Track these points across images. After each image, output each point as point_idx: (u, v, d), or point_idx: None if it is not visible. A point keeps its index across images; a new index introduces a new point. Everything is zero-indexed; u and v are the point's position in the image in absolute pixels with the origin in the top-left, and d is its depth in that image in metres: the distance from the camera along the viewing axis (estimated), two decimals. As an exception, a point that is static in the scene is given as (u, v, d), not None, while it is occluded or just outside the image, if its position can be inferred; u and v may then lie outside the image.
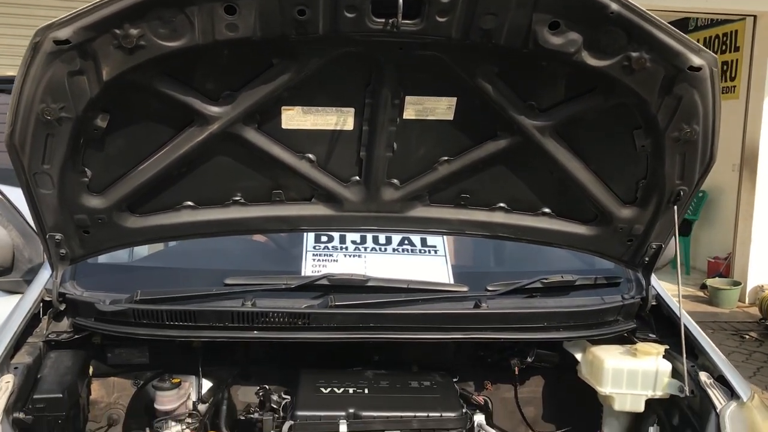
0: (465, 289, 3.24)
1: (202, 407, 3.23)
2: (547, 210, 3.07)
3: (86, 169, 2.70)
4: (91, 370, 3.26)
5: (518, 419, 3.52)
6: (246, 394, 3.39)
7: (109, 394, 3.39)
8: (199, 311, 3.00)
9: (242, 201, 2.93)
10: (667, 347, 3.13)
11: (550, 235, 3.16)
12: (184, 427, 3.10)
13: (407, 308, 3.11)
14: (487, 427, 3.08)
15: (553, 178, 2.94)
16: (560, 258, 3.81)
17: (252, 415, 3.00)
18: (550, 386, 3.52)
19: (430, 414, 2.91)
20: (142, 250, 4.00)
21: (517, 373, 3.33)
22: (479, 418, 3.10)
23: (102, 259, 3.48)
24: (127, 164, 2.75)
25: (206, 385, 3.33)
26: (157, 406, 3.08)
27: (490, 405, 3.42)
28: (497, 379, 3.50)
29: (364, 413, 2.89)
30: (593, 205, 3.00)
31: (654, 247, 3.13)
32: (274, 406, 3.10)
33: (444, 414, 2.92)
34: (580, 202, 3.02)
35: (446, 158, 2.84)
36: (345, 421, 2.85)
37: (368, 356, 3.35)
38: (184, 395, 3.13)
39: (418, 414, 2.90)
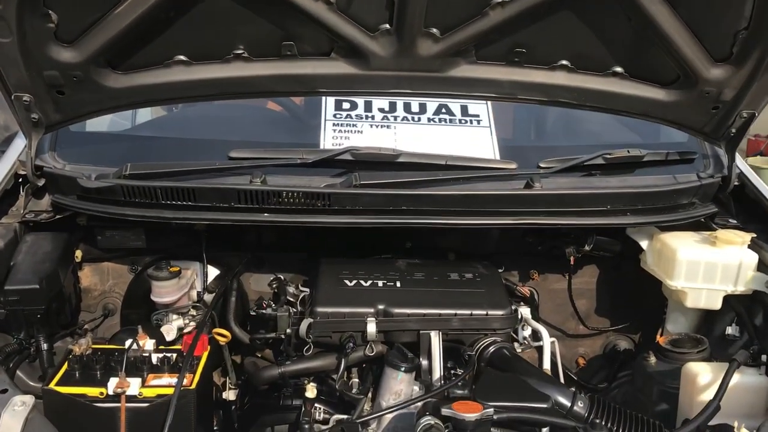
0: (514, 166, 2.67)
1: (208, 298, 2.74)
2: (618, 69, 2.43)
3: (50, 11, 2.11)
4: (79, 254, 2.77)
5: (568, 313, 3.02)
6: (260, 283, 2.90)
7: (104, 281, 2.91)
8: (199, 189, 2.46)
9: (246, 55, 2.32)
10: (754, 236, 2.57)
11: (619, 101, 2.54)
12: (188, 321, 2.63)
13: (445, 188, 2.56)
14: (533, 322, 2.58)
15: (630, 28, 2.29)
16: (621, 130, 3.23)
17: (264, 311, 2.50)
18: (606, 277, 3.00)
19: (474, 312, 2.40)
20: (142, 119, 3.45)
21: (572, 263, 2.79)
22: (524, 311, 2.60)
23: (90, 127, 2.95)
24: (101, 6, 2.14)
25: (213, 272, 2.83)
26: (154, 298, 2.60)
27: (536, 297, 2.92)
28: (546, 269, 2.98)
29: (396, 310, 2.39)
30: (677, 63, 2.37)
31: (745, 116, 2.51)
32: (291, 299, 2.62)
33: (490, 312, 2.41)
34: (660, 60, 2.38)
35: (499, 0, 2.19)
36: (374, 319, 2.36)
37: (399, 244, 2.83)
38: (185, 285, 2.64)
39: (459, 312, 2.40)
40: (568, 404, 2.12)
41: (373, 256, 2.78)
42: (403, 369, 2.27)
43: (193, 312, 2.67)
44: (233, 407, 2.65)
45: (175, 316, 2.64)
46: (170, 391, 2.07)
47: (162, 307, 2.64)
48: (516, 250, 2.91)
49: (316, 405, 2.39)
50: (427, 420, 1.99)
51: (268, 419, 2.46)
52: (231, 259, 2.86)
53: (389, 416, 2.25)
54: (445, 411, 1.96)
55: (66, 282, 2.60)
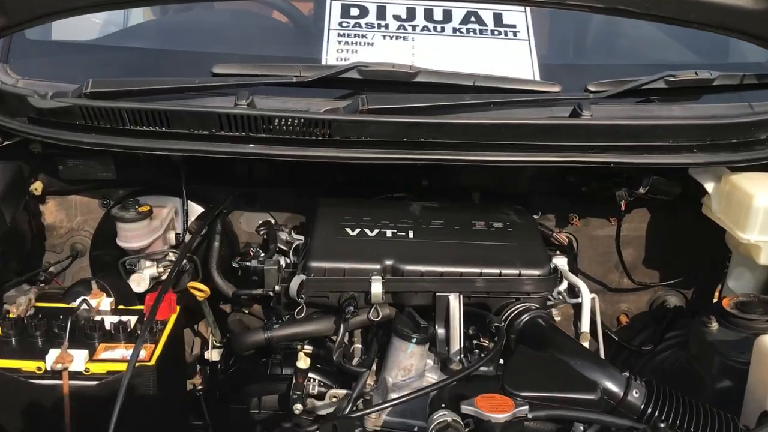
0: (557, 89, 2.12)
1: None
2: (693, -32, 1.85)
3: None
4: (39, 186, 2.31)
5: (611, 264, 2.53)
6: (251, 223, 2.42)
7: (71, 217, 2.45)
8: (173, 112, 1.96)
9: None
10: None
11: (693, 9, 1.97)
12: (163, 268, 2.18)
13: (472, 116, 2.03)
14: (571, 276, 2.08)
15: None
16: (679, 49, 2.66)
17: (248, 263, 2.03)
18: (658, 223, 2.49)
19: (504, 271, 1.92)
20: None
21: (623, 208, 2.27)
22: (560, 261, 2.11)
23: (60, 35, 2.44)
24: None
25: (196, 210, 2.36)
26: (120, 243, 2.13)
27: (574, 245, 2.43)
28: (588, 212, 2.47)
29: (407, 267, 1.91)
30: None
31: None
32: (283, 248, 2.14)
33: (524, 272, 1.92)
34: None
35: None
36: (380, 277, 1.88)
37: (414, 181, 2.33)
38: (159, 227, 2.17)
39: (485, 270, 1.91)
40: (621, 393, 1.65)
41: (382, 196, 2.29)
42: (414, 340, 1.80)
43: (171, 257, 2.21)
44: (218, 367, 2.22)
45: (148, 263, 2.19)
46: (124, 367, 1.62)
47: (133, 253, 2.18)
48: (554, 190, 2.40)
49: (310, 376, 1.95)
50: (443, 416, 1.53)
51: (254, 389, 2.03)
52: (217, 195, 2.38)
53: (393, 398, 1.80)
54: (466, 408, 1.50)
55: (16, 220, 2.13)
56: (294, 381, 1.92)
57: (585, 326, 2.07)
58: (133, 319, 1.80)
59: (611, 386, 1.66)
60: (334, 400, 1.94)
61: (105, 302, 1.84)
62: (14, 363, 1.66)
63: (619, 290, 2.56)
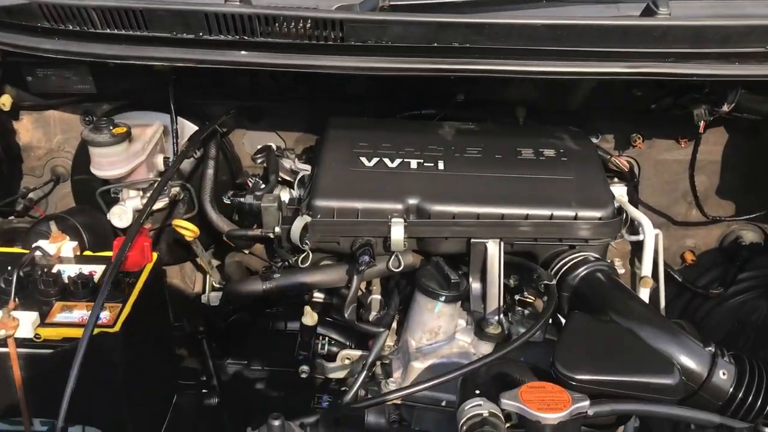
0: (626, -21, 1.65)
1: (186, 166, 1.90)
2: None
3: None
4: (7, 100, 1.94)
5: (678, 194, 2.10)
6: (256, 144, 2.04)
7: (49, 136, 2.09)
8: (151, 11, 1.55)
9: None
10: None
11: None
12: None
13: (520, 14, 1.61)
14: (632, 208, 1.69)
15: None
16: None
17: (242, 199, 1.65)
18: (737, 147, 2.05)
19: (556, 212, 1.51)
20: None
21: (702, 130, 1.83)
22: (619, 191, 1.71)
23: None
24: None
25: (189, 129, 1.97)
26: (94, 171, 1.76)
27: (636, 171, 2.01)
28: (654, 132, 2.03)
29: (436, 207, 1.51)
30: None
31: None
32: (288, 179, 1.76)
33: (582, 213, 1.51)
34: None
35: None
36: (401, 220, 1.50)
37: (447, 95, 1.90)
38: (141, 151, 1.78)
39: (533, 212, 1.51)
40: (704, 373, 1.27)
41: (408, 113, 1.87)
42: (443, 298, 1.43)
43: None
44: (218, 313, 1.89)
45: (132, 193, 1.82)
46: (80, 333, 1.27)
47: (114, 182, 1.81)
48: (616, 106, 1.96)
49: (319, 332, 1.60)
50: (476, 407, 1.17)
51: (255, 344, 1.69)
52: (214, 110, 1.99)
53: (417, 367, 1.45)
54: (508, 403, 1.13)
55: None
56: (299, 339, 1.57)
57: (647, 269, 1.69)
58: (100, 270, 1.45)
59: (692, 364, 1.27)
60: (347, 362, 1.60)
61: (67, 248, 1.49)
62: (-48, 326, 1.32)
63: (686, 224, 2.14)
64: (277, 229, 1.58)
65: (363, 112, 1.87)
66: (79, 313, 1.35)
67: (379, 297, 1.62)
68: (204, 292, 1.97)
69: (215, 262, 1.97)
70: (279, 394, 1.74)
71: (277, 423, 1.10)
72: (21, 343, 1.31)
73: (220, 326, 1.83)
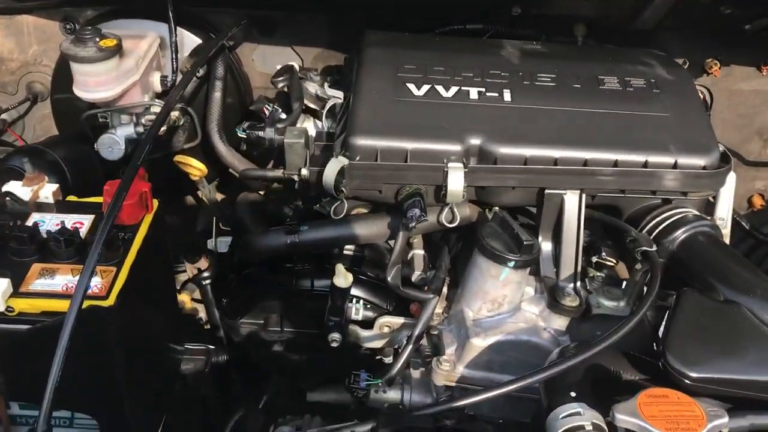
0: None
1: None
2: None
3: None
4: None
5: (752, 130, 1.83)
6: (269, 62, 1.71)
7: (23, 46, 1.75)
8: None
9: None
10: None
11: None
12: (143, 129, 1.50)
13: None
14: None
15: None
16: None
17: (260, 132, 1.33)
18: None
19: (652, 158, 1.21)
20: None
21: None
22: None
23: None
24: None
25: (191, 42, 1.63)
26: (77, 92, 1.42)
27: (708, 102, 1.72)
28: (733, 58, 1.72)
29: (503, 148, 1.21)
30: None
31: None
32: (311, 106, 1.44)
33: (682, 160, 1.22)
34: None
35: None
36: (460, 165, 1.19)
37: (500, 8, 1.56)
38: (134, 68, 1.45)
39: (623, 156, 1.21)
40: None
41: (449, 28, 1.54)
42: (512, 264, 1.15)
43: (155, 109, 1.52)
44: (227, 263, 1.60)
45: (123, 119, 1.50)
46: (64, 306, 0.98)
47: (104, 106, 1.49)
48: (694, 25, 1.64)
49: (353, 294, 1.33)
50: (575, 416, 0.90)
51: (274, 305, 1.42)
52: (221, 20, 1.65)
53: (477, 345, 1.18)
54: (624, 420, 0.87)
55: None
56: (330, 303, 1.29)
57: (723, 210, 1.41)
58: (88, 222, 1.14)
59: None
60: (386, 330, 1.32)
61: (46, 191, 1.18)
62: None
63: (758, 164, 1.86)
64: (304, 172, 1.27)
65: (396, 25, 1.54)
66: (63, 278, 1.05)
67: (422, 252, 1.33)
68: (210, 234, 1.67)
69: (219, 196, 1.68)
70: (301, 361, 1.48)
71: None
72: (-10, 317, 1.02)
73: (229, 276, 1.54)
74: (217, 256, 1.60)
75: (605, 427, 0.89)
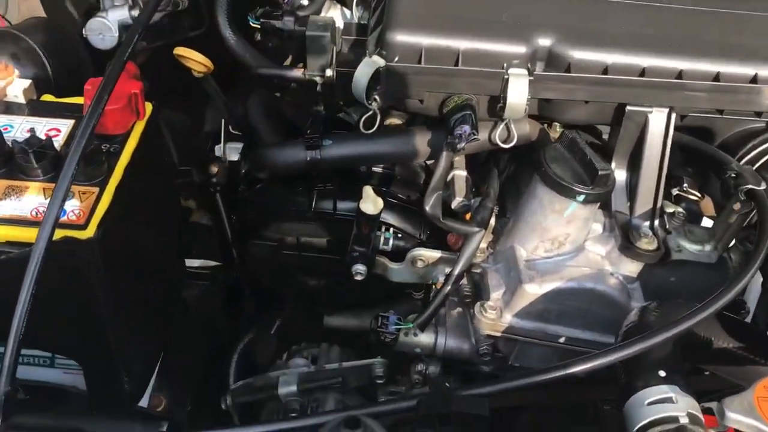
0: None
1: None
2: None
3: None
4: None
5: None
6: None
7: None
8: None
9: None
10: None
11: None
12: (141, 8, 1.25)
13: None
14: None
15: None
16: None
17: (276, 22, 1.08)
18: None
19: (763, 72, 0.97)
20: None
21: None
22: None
23: None
24: None
25: None
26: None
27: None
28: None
29: (578, 53, 0.96)
30: None
31: None
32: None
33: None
34: None
35: None
36: (524, 70, 0.95)
37: None
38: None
39: (727, 70, 0.96)
40: None
41: None
42: (582, 198, 0.93)
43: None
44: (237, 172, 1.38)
45: (116, 1, 1.26)
46: (33, 236, 0.78)
47: None
48: None
49: (383, 220, 1.12)
50: (666, 402, 0.71)
51: (290, 228, 1.21)
52: None
53: (531, 293, 0.98)
54: (740, 421, 0.67)
55: None
56: (355, 230, 1.09)
57: None
58: (66, 130, 0.92)
59: None
60: (419, 264, 1.12)
61: (16, 88, 0.95)
62: None
63: None
64: (329, 73, 1.04)
65: None
66: (33, 200, 0.85)
67: (464, 174, 1.11)
68: (216, 138, 1.45)
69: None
70: (320, 286, 1.30)
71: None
72: (-59, 244, 0.82)
73: (240, 188, 1.33)
74: (226, 164, 1.39)
75: (701, 418, 0.70)
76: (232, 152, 1.39)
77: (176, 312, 1.17)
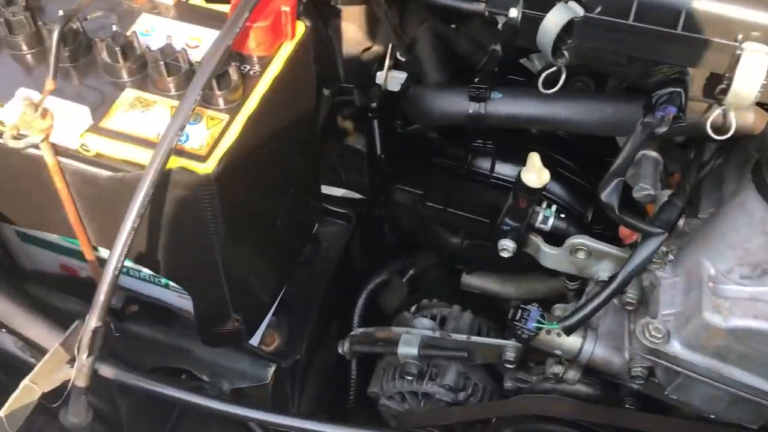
0: None
1: None
2: None
3: None
4: None
5: None
6: None
7: None
8: None
9: None
10: None
11: None
12: None
13: None
14: None
15: None
16: None
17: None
18: None
19: None
20: None
21: None
22: None
23: None
24: None
25: None
26: None
27: None
28: None
29: None
30: None
31: None
32: None
33: None
34: None
35: None
36: (764, 48, 0.73)
37: None
38: None
39: None
40: None
41: None
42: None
43: None
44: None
45: None
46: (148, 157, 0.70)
47: None
48: None
49: (546, 192, 0.94)
50: None
51: (437, 180, 1.07)
52: None
53: (720, 327, 0.78)
54: None
55: None
56: (511, 201, 0.93)
57: None
58: (209, 40, 0.82)
59: None
60: (580, 256, 0.94)
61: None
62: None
63: None
64: (514, 13, 0.85)
65: None
66: (159, 117, 0.75)
67: (655, 156, 0.90)
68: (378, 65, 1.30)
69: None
70: (462, 246, 1.16)
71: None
72: (63, 151, 0.75)
73: (395, 123, 1.20)
74: (385, 93, 1.25)
75: None
76: (395, 83, 1.25)
77: (304, 249, 1.07)
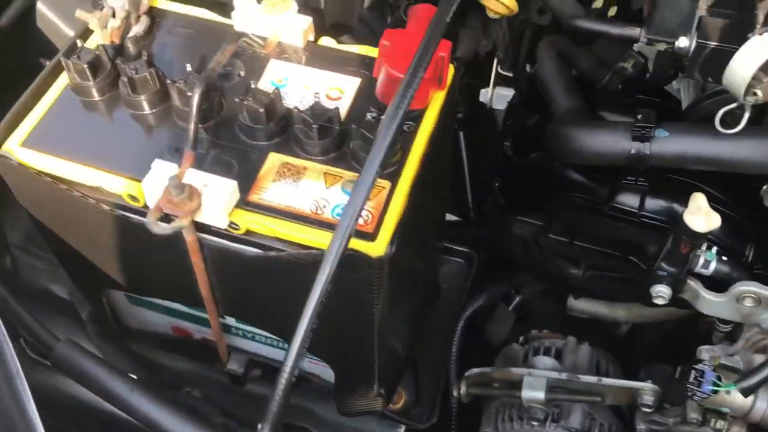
0: None
1: None
2: None
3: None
4: None
5: None
6: None
7: None
8: None
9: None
10: None
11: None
12: None
13: None
14: None
15: None
16: None
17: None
18: None
19: None
20: None
21: None
22: None
23: None
24: None
25: None
26: None
27: None
28: None
29: None
30: None
31: None
32: None
33: None
34: None
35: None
36: None
37: None
38: None
39: None
40: None
41: None
42: None
43: None
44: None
45: None
46: (307, 238, 0.61)
47: None
48: None
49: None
50: None
51: (567, 215, 0.98)
52: None
53: None
54: None
55: None
56: (670, 245, 0.84)
57: None
58: (352, 90, 0.72)
59: None
60: (748, 303, 0.85)
61: (293, 22, 0.76)
62: (76, 167, 0.69)
63: None
64: (684, 43, 0.75)
65: None
66: (312, 187, 0.66)
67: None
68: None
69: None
70: (583, 278, 1.06)
71: None
72: (206, 228, 0.67)
73: (505, 144, 1.10)
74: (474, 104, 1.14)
75: None
76: (500, 100, 1.16)
77: (437, 299, 0.99)
